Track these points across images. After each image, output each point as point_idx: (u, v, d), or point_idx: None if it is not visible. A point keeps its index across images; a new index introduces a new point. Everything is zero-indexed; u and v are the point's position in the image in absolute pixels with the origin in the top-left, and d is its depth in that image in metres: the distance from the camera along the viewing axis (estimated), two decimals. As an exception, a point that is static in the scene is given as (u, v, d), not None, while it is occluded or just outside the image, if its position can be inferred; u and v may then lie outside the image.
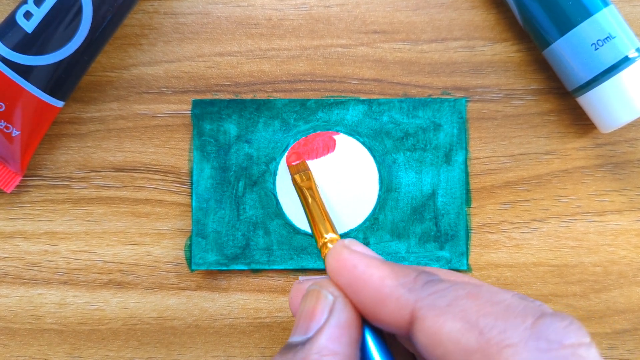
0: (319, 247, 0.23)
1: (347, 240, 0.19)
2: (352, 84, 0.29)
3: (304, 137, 0.29)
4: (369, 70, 0.29)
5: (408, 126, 0.29)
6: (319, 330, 0.17)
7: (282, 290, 0.28)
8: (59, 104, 0.27)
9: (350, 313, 0.18)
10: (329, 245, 0.22)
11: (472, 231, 0.29)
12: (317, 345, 0.17)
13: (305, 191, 0.26)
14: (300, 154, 0.28)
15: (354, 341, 0.17)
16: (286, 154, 0.28)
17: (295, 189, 0.27)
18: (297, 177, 0.27)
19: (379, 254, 0.28)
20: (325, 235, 0.23)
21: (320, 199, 0.26)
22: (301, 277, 0.21)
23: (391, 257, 0.28)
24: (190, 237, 0.28)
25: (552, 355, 0.15)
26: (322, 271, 0.29)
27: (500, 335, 0.15)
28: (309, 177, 0.27)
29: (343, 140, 0.29)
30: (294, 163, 0.28)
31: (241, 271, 0.29)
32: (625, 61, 0.26)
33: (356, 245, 0.19)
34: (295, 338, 0.17)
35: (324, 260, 0.22)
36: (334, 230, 0.23)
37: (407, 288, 0.17)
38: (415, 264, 0.28)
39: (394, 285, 0.17)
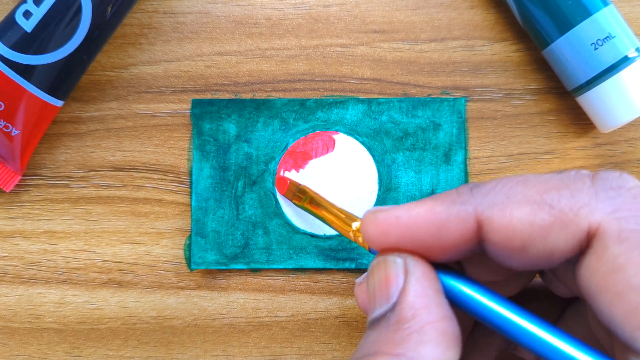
0: (352, 239, 0.22)
1: (369, 210, 0.19)
2: (351, 83, 0.29)
3: (303, 137, 0.29)
4: (369, 70, 0.29)
5: (407, 126, 0.29)
6: (403, 290, 0.17)
7: (282, 290, 0.29)
8: (59, 103, 0.27)
9: (423, 264, 0.17)
10: (354, 225, 0.22)
11: (472, 231, 0.29)
12: (406, 304, 0.16)
13: (310, 206, 0.26)
14: (281, 179, 0.28)
15: (438, 289, 0.17)
16: (275, 183, 0.28)
17: (301, 209, 0.27)
18: (295, 200, 0.27)
19: (378, 254, 0.28)
20: (352, 225, 0.22)
21: (326, 200, 0.26)
22: (357, 279, 0.21)
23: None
24: (190, 237, 0.28)
25: (624, 198, 0.16)
26: (323, 271, 0.29)
27: (569, 201, 0.16)
28: (304, 191, 0.27)
29: (342, 140, 0.29)
30: (285, 192, 0.28)
31: (240, 270, 0.29)
32: (624, 61, 0.26)
33: (381, 207, 0.18)
34: (377, 311, 0.17)
35: (364, 245, 0.21)
36: (356, 217, 0.23)
37: (459, 202, 0.17)
38: (415, 263, 0.28)
39: (445, 207, 0.17)
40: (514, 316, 0.17)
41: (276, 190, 0.28)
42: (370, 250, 0.20)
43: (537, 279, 0.22)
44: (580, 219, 0.16)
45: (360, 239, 0.22)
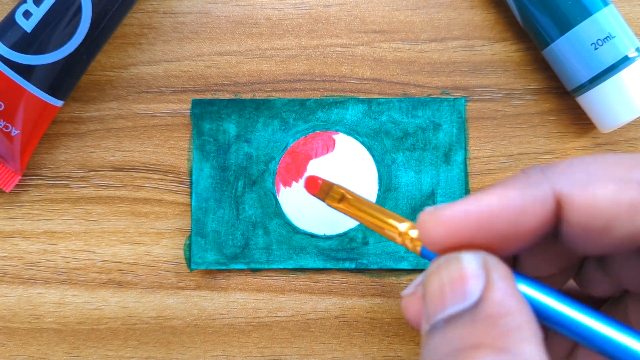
0: (399, 242, 0.20)
1: (426, 209, 0.17)
2: (351, 83, 0.29)
3: (303, 137, 0.29)
4: (369, 70, 0.29)
5: (407, 126, 0.29)
6: (487, 287, 0.15)
7: (281, 290, 0.28)
8: (59, 103, 0.27)
9: (502, 262, 0.16)
10: (411, 232, 0.19)
11: (472, 231, 0.29)
12: (495, 301, 0.15)
13: (346, 207, 0.23)
14: (311, 179, 0.25)
15: (516, 288, 0.16)
16: (304, 184, 0.26)
17: (335, 209, 0.24)
18: (328, 201, 0.24)
19: (379, 254, 0.28)
20: (399, 227, 0.20)
21: (364, 199, 0.23)
22: (404, 292, 0.20)
23: (391, 257, 0.28)
24: (190, 237, 0.28)
25: None
26: (323, 271, 0.29)
27: None
28: (338, 192, 0.24)
29: (342, 140, 0.29)
30: (317, 192, 0.25)
31: (240, 271, 0.29)
32: (625, 61, 0.26)
33: (439, 205, 0.17)
34: (452, 309, 0.16)
35: (414, 249, 0.19)
36: (402, 218, 0.21)
37: (533, 184, 0.16)
38: (415, 263, 0.28)
39: (519, 191, 0.16)
40: (587, 319, 0.15)
41: (276, 190, 0.28)
42: (422, 254, 0.18)
43: None
44: None
45: (408, 242, 0.20)
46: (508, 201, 0.16)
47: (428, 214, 0.17)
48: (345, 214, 0.24)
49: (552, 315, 0.16)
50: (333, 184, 0.24)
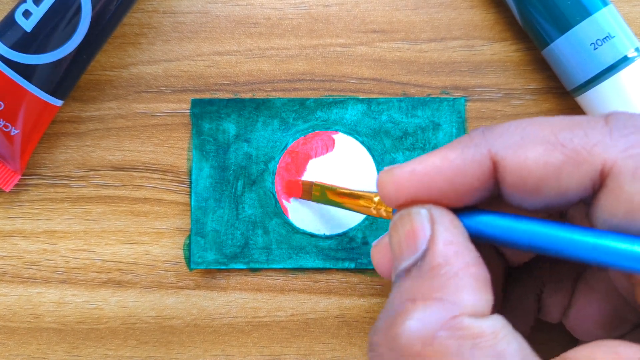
0: (375, 214, 0.22)
1: (383, 169, 0.19)
2: (351, 83, 0.29)
3: (302, 137, 0.29)
4: (368, 70, 0.29)
5: (407, 125, 0.29)
6: (431, 239, 0.16)
7: (281, 290, 0.29)
8: (58, 102, 0.27)
9: (448, 212, 0.17)
10: (375, 199, 0.22)
11: (471, 231, 0.29)
12: (437, 252, 0.16)
13: (330, 197, 0.26)
14: (290, 183, 0.28)
15: (465, 236, 0.17)
16: (280, 189, 0.28)
17: (321, 203, 0.27)
18: (314, 199, 0.27)
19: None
20: (374, 199, 0.23)
21: (341, 187, 0.26)
22: (373, 242, 0.21)
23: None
24: (189, 236, 0.28)
25: (638, 136, 0.16)
26: (323, 271, 0.29)
27: (583, 140, 0.16)
28: (318, 185, 0.27)
29: (342, 140, 0.29)
30: (301, 194, 0.28)
31: (240, 270, 0.29)
32: (624, 61, 0.26)
33: (395, 165, 0.18)
34: (405, 262, 0.17)
35: (388, 216, 0.21)
36: (375, 193, 0.23)
37: (472, 145, 0.17)
38: (414, 263, 0.28)
39: (458, 152, 0.17)
40: (541, 227, 0.16)
41: (275, 190, 0.28)
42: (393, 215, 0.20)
43: None
44: (593, 157, 0.16)
45: (383, 211, 0.22)
46: (447, 162, 0.17)
47: (384, 172, 0.18)
48: (331, 204, 0.26)
49: (512, 238, 0.17)
50: (312, 182, 0.27)
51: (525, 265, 0.22)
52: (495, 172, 0.17)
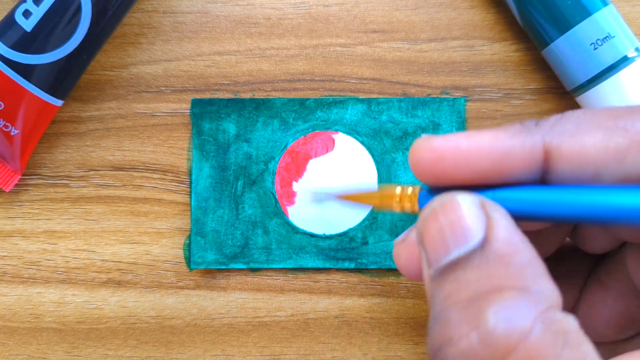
0: (397, 209, 0.19)
1: (422, 137, 0.17)
2: (351, 83, 0.29)
3: (302, 137, 0.29)
4: (368, 70, 0.29)
5: (407, 125, 0.29)
6: (490, 227, 0.15)
7: (281, 290, 0.29)
8: (58, 102, 0.27)
9: (500, 206, 0.16)
10: (397, 190, 0.19)
11: (471, 231, 0.29)
12: (502, 240, 0.15)
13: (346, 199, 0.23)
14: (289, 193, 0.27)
15: (517, 226, 0.16)
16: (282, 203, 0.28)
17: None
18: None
19: (378, 253, 0.28)
20: (396, 190, 0.19)
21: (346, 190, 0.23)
22: (396, 240, 0.19)
23: (390, 257, 0.28)
24: (189, 236, 0.28)
25: None
26: (323, 271, 0.29)
27: None
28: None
29: (342, 140, 0.29)
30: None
31: (240, 270, 0.29)
32: (624, 61, 0.26)
33: (430, 135, 0.17)
34: (456, 252, 0.15)
35: (413, 208, 0.19)
36: (393, 185, 0.20)
37: (524, 132, 0.16)
38: (414, 263, 0.28)
39: (510, 135, 0.16)
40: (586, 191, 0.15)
41: (275, 190, 0.28)
42: (420, 205, 0.18)
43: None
44: None
45: (407, 204, 0.19)
46: (497, 142, 0.16)
47: (422, 141, 0.17)
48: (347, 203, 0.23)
49: (557, 210, 0.16)
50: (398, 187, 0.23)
51: None
52: (546, 162, 0.16)
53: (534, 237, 0.20)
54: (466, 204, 0.16)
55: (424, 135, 0.17)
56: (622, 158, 0.15)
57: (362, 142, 0.29)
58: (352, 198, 0.22)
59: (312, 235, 0.28)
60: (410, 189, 0.19)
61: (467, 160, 0.16)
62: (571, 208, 0.15)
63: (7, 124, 0.26)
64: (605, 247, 0.20)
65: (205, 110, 0.29)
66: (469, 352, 0.14)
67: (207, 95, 0.29)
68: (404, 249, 0.19)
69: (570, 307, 0.21)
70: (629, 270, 0.19)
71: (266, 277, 0.29)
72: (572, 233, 0.21)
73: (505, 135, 0.16)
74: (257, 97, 0.29)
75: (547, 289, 0.14)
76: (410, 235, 0.19)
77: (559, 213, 0.16)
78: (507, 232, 0.15)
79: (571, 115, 0.16)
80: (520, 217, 0.16)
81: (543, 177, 0.16)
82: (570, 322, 0.14)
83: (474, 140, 0.16)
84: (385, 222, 0.28)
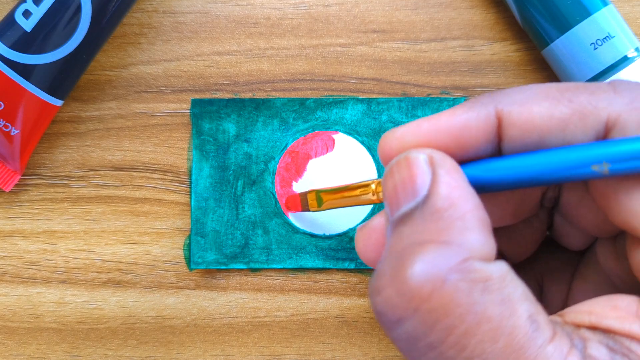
0: (377, 200, 0.21)
1: (386, 132, 0.18)
2: (351, 83, 0.29)
3: (302, 137, 0.29)
4: (368, 70, 0.29)
5: (407, 125, 0.29)
6: (433, 183, 0.16)
7: (281, 290, 0.29)
8: (58, 102, 0.27)
9: (448, 157, 0.17)
10: (373, 186, 0.21)
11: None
12: (440, 195, 0.16)
13: (329, 202, 0.25)
14: (291, 199, 0.27)
15: (467, 181, 0.17)
16: (285, 209, 0.28)
17: (319, 211, 0.26)
18: (313, 208, 0.26)
19: (378, 253, 0.28)
20: (371, 186, 0.21)
21: (335, 186, 0.25)
22: (358, 226, 0.21)
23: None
24: (189, 236, 0.28)
25: None
26: (322, 271, 0.29)
27: (589, 97, 0.16)
28: (312, 193, 0.26)
29: (342, 140, 0.29)
30: (302, 207, 0.27)
31: (240, 270, 0.29)
32: (624, 61, 0.26)
33: (395, 128, 0.18)
34: (404, 207, 0.16)
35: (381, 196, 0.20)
36: (372, 180, 0.22)
37: (478, 104, 0.17)
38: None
39: (465, 109, 0.17)
40: (540, 155, 0.17)
41: (275, 190, 0.28)
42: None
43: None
44: (599, 110, 0.16)
45: (381, 194, 0.20)
46: (454, 117, 0.17)
47: (386, 134, 0.18)
48: (332, 208, 0.25)
49: (516, 175, 0.17)
50: (305, 192, 0.26)
51: (525, 260, 0.22)
52: (499, 128, 0.17)
53: (510, 236, 0.21)
54: (417, 161, 0.17)
55: (387, 131, 0.18)
56: (565, 126, 0.16)
57: (362, 142, 0.29)
58: (333, 195, 0.24)
59: (312, 235, 0.28)
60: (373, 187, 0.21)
61: (429, 141, 0.17)
62: (519, 171, 0.17)
63: (7, 124, 0.26)
64: (582, 244, 0.21)
65: (205, 110, 0.29)
66: (389, 301, 0.15)
67: (207, 95, 0.29)
68: (362, 235, 0.20)
69: (563, 300, 0.22)
70: (600, 263, 0.20)
71: (266, 277, 0.29)
72: (552, 230, 0.22)
73: (461, 110, 0.17)
74: (257, 97, 0.29)
75: (474, 241, 0.15)
76: (370, 222, 0.20)
77: (509, 177, 0.17)
78: (446, 188, 0.16)
79: (523, 87, 0.17)
80: (477, 188, 0.17)
81: (499, 145, 0.17)
82: (491, 269, 0.15)
83: (432, 121, 0.17)
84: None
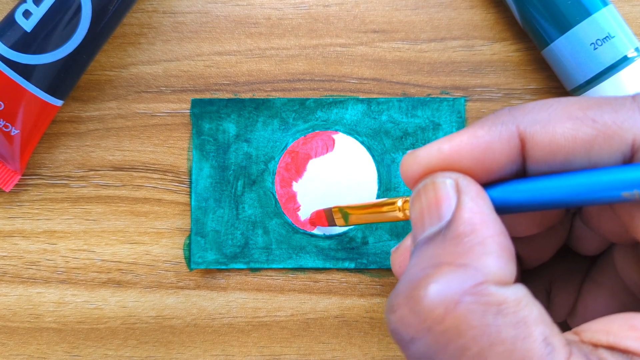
0: (402, 217, 0.21)
1: (407, 153, 0.19)
2: (351, 83, 0.29)
3: (302, 137, 0.29)
4: (368, 70, 0.29)
5: (407, 125, 0.29)
6: (457, 208, 0.16)
7: (281, 290, 0.29)
8: (58, 102, 0.27)
9: (474, 183, 0.17)
10: (399, 203, 0.21)
11: (471, 231, 0.29)
12: (463, 220, 0.16)
13: (354, 218, 0.25)
14: (317, 215, 0.27)
15: (491, 207, 0.17)
16: (314, 221, 0.28)
17: (346, 226, 0.27)
18: (337, 223, 0.26)
19: (378, 253, 0.28)
20: (397, 203, 0.21)
21: (360, 204, 0.25)
22: (393, 248, 0.21)
23: (390, 256, 0.28)
24: (189, 236, 0.28)
25: None
26: (322, 270, 0.29)
27: (612, 115, 0.16)
28: (337, 210, 0.26)
29: (342, 140, 0.29)
30: (327, 223, 0.27)
31: (240, 270, 0.29)
32: (624, 61, 0.26)
33: (416, 149, 0.18)
34: (429, 230, 0.17)
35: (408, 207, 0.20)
36: (396, 198, 0.22)
37: (499, 123, 0.17)
38: (414, 263, 0.28)
39: (486, 129, 0.17)
40: (567, 178, 0.16)
41: (275, 190, 0.28)
42: None
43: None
44: (624, 131, 0.16)
45: (408, 212, 0.21)
46: (476, 139, 0.17)
47: (407, 156, 0.18)
48: (358, 223, 0.25)
49: (541, 198, 0.17)
50: (330, 208, 0.26)
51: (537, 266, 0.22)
52: (522, 149, 0.17)
53: (531, 242, 0.21)
54: (442, 185, 0.17)
55: (408, 151, 0.18)
56: (590, 147, 0.16)
57: (362, 142, 0.29)
58: (356, 210, 0.25)
59: (312, 235, 0.28)
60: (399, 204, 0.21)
61: (452, 163, 0.17)
62: (546, 194, 0.17)
63: (7, 124, 0.26)
64: (596, 249, 0.21)
65: (205, 110, 0.29)
66: (402, 320, 0.15)
67: (207, 95, 0.29)
68: (397, 257, 0.20)
69: (571, 304, 0.22)
70: (618, 269, 0.20)
71: (266, 277, 0.29)
72: (568, 238, 0.22)
73: (482, 131, 0.17)
74: (257, 97, 0.29)
75: (491, 266, 0.15)
76: (404, 243, 0.20)
77: (534, 200, 0.17)
78: (469, 213, 0.16)
79: (543, 105, 0.17)
80: (502, 209, 0.17)
81: (523, 165, 0.17)
82: (507, 293, 0.15)
83: (454, 143, 0.17)
84: (385, 223, 0.28)
